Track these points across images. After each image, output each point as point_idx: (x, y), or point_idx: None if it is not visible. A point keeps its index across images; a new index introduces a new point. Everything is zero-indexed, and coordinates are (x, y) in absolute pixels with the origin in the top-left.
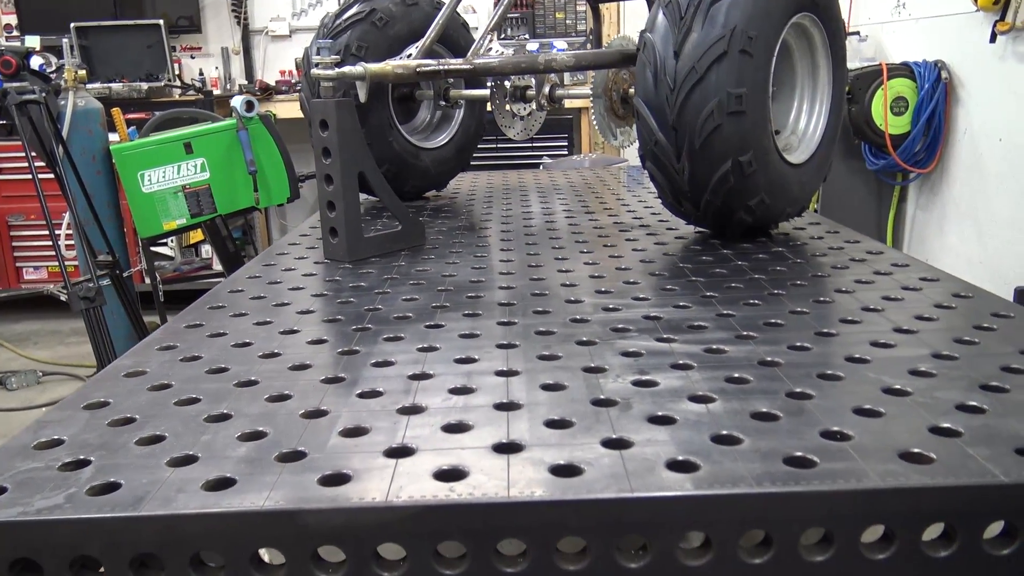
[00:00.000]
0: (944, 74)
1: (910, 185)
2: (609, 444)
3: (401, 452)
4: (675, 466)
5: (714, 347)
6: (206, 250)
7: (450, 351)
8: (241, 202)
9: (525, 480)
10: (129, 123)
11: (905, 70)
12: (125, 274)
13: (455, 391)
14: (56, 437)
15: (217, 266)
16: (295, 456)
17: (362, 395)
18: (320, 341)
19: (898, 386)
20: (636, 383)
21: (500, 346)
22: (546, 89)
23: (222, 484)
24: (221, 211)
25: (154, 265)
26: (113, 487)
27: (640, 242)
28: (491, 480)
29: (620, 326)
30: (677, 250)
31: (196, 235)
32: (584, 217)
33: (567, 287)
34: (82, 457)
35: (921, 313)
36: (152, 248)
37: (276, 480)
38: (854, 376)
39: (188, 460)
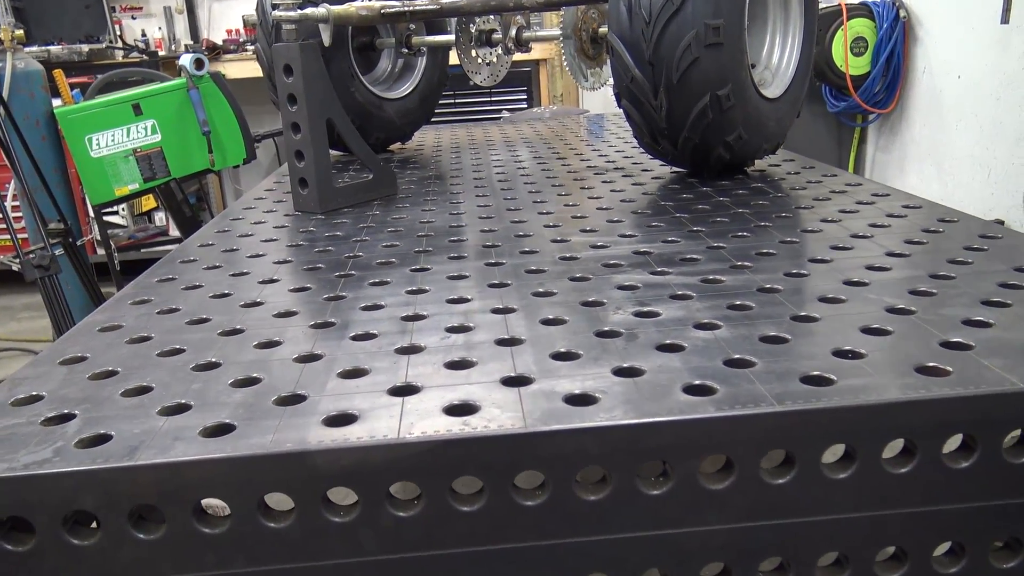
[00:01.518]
0: (902, 13)
1: (869, 127)
2: (620, 372)
3: (406, 390)
4: (692, 390)
5: (710, 277)
6: (160, 217)
7: (440, 292)
8: (195, 164)
9: (540, 411)
10: (72, 87)
11: (864, 10)
12: (78, 243)
13: (452, 330)
14: (34, 393)
15: (174, 232)
16: (295, 399)
17: (356, 338)
18: (302, 288)
19: (901, 305)
20: (638, 314)
21: (492, 285)
22: (513, 32)
23: (221, 430)
24: (175, 174)
25: (108, 233)
26: (103, 439)
27: (616, 183)
28: (505, 412)
29: (612, 262)
30: (656, 189)
31: (148, 202)
32: (556, 163)
33: (550, 228)
34: (66, 411)
35: (911, 238)
36: (103, 216)
37: (278, 424)
38: (856, 298)
39: (181, 409)
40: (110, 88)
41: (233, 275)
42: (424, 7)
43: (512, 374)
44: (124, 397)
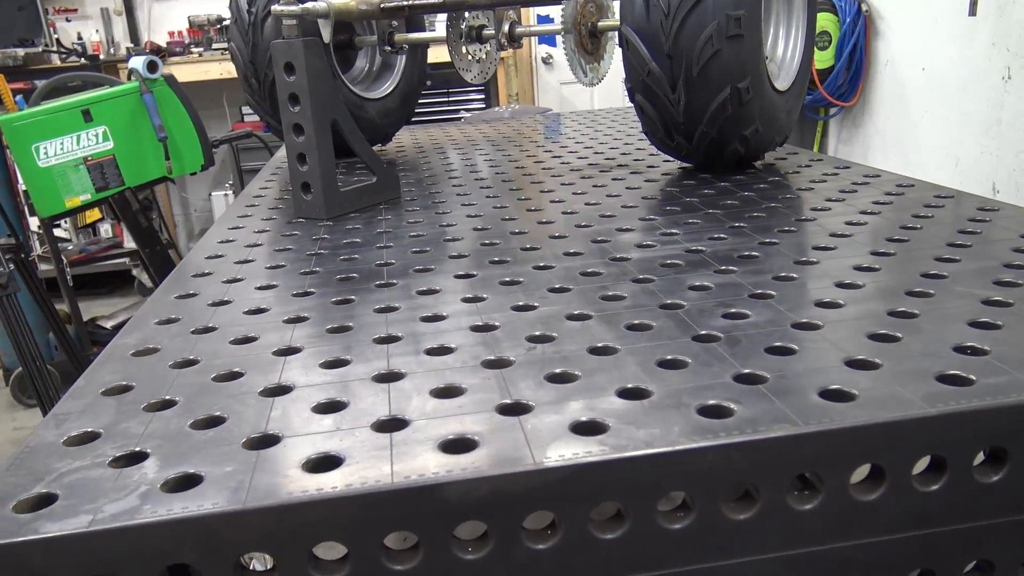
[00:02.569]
0: (864, 6)
1: (831, 120)
2: (741, 379)
3: (516, 409)
4: (828, 395)
5: (781, 275)
6: (105, 229)
7: (499, 299)
8: (151, 172)
9: (676, 426)
10: (13, 93)
11: (827, 4)
12: (30, 257)
13: (534, 339)
14: (89, 430)
15: (129, 243)
16: (395, 424)
17: (431, 352)
18: (345, 301)
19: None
20: (726, 316)
21: (552, 290)
22: (505, 27)
23: (326, 464)
24: (129, 183)
25: (58, 247)
26: (193, 480)
27: (628, 180)
28: (640, 429)
29: (668, 262)
30: (671, 185)
31: (93, 214)
32: (553, 161)
33: (584, 227)
34: (136, 449)
35: (964, 228)
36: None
37: (394, 452)
38: (944, 292)
39: (268, 441)
40: (55, 94)
41: (260, 288)
42: (424, 1)
43: (628, 385)
44: (195, 430)
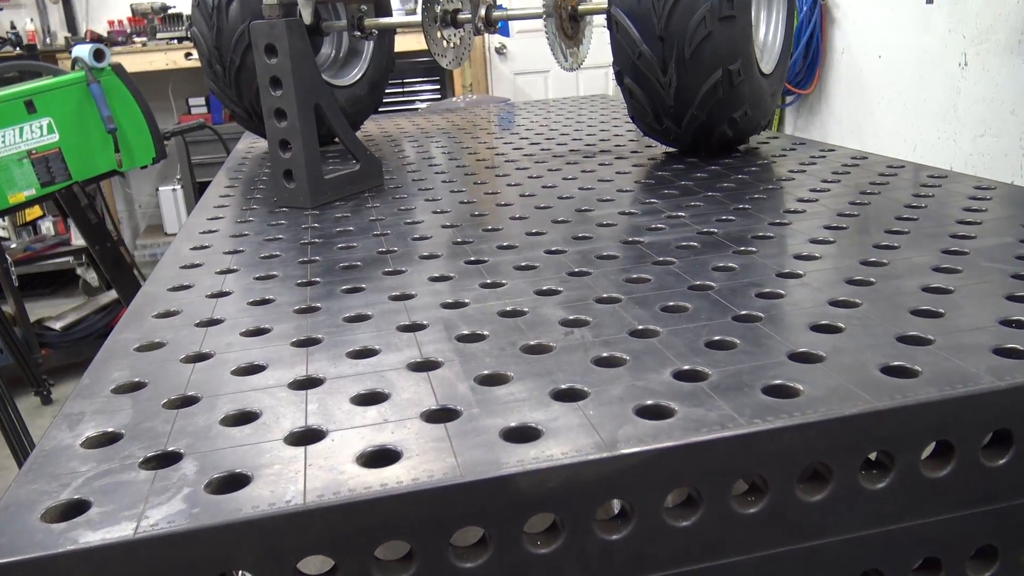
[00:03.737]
0: None
1: (788, 108)
2: (797, 358)
3: (569, 395)
4: (890, 371)
5: (804, 254)
6: (47, 227)
7: (520, 284)
8: (100, 166)
9: (748, 407)
10: None
11: None
12: None
13: (568, 323)
14: (108, 430)
15: (77, 240)
16: (448, 415)
17: (463, 339)
18: (356, 289)
19: None
20: (760, 295)
21: (572, 274)
22: (482, 11)
23: (383, 458)
24: (77, 177)
25: (1, 245)
26: (240, 481)
27: (615, 165)
28: (710, 411)
29: (684, 244)
30: (662, 169)
31: (34, 211)
32: (531, 147)
33: (586, 211)
34: (169, 449)
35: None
36: None
37: (454, 444)
38: (968, 266)
39: (312, 436)
40: None
41: (259, 278)
42: None
43: (683, 367)
44: (227, 426)
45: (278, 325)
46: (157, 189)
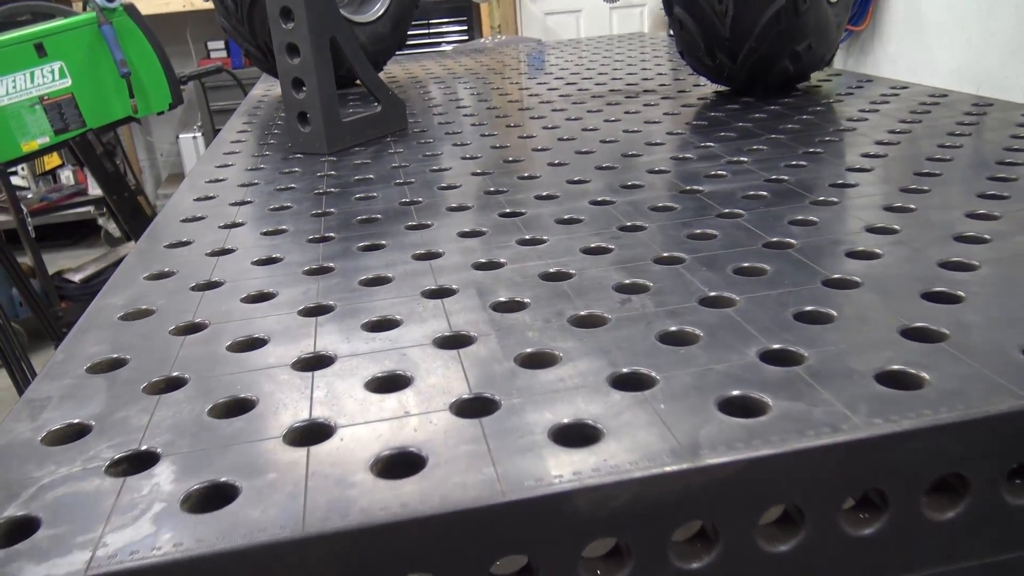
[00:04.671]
0: None
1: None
2: (912, 335)
3: (637, 382)
4: None
5: (896, 205)
6: (67, 175)
7: (576, 240)
8: (115, 112)
9: (867, 401)
10: None
11: None
12: None
13: (623, 290)
14: (75, 421)
15: (94, 191)
16: (484, 407)
17: (501, 308)
18: (375, 246)
19: None
20: (851, 255)
21: (624, 228)
22: None
23: (402, 465)
24: (91, 124)
25: (16, 196)
26: (225, 494)
27: (662, 106)
28: (817, 408)
29: (750, 193)
30: (714, 110)
31: (52, 159)
32: (569, 88)
33: (633, 157)
34: (143, 448)
35: None
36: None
37: (492, 447)
38: None
39: (318, 434)
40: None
41: (267, 233)
42: None
43: (771, 347)
44: (216, 418)
45: (285, 289)
46: (177, 136)
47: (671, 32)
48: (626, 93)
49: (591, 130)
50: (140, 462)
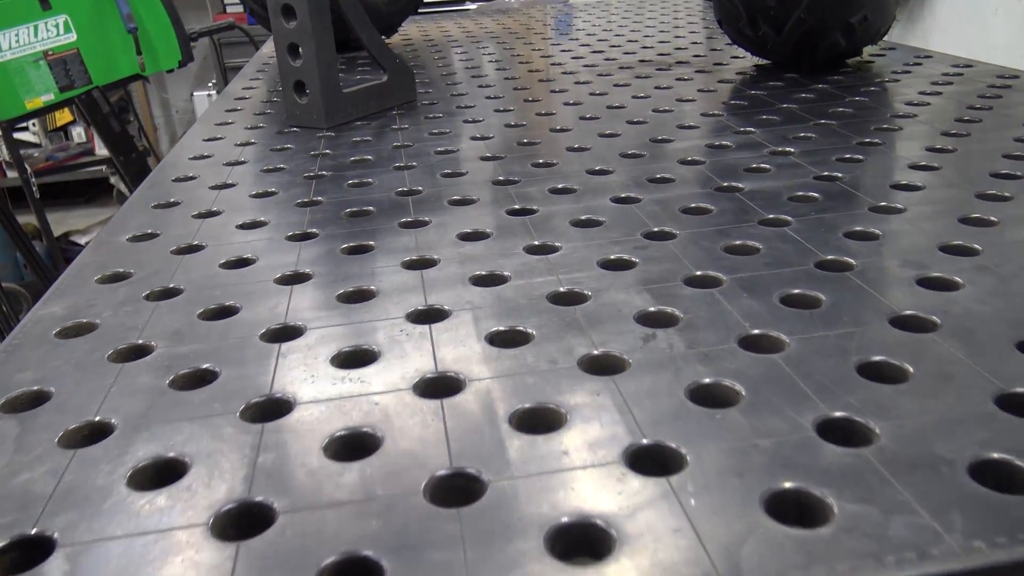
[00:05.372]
0: None
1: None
2: (1010, 403)
3: (654, 461)
4: None
5: (972, 217)
6: (78, 132)
7: (602, 242)
8: (122, 69)
9: (959, 507)
10: None
11: None
12: None
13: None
14: (35, 389)
15: (101, 150)
16: (468, 490)
17: (500, 341)
18: (362, 248)
19: None
20: (922, 283)
21: (650, 235)
22: None
23: None
24: (97, 82)
25: (20, 154)
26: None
27: (696, 81)
28: (898, 518)
29: (798, 194)
30: (755, 87)
31: (63, 115)
32: (597, 56)
33: (660, 143)
34: (36, 533)
35: None
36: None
37: (473, 562)
38: None
39: (256, 519)
40: None
41: (243, 226)
42: None
43: (836, 414)
44: (132, 489)
45: (251, 304)
46: (192, 94)
47: None
48: (657, 65)
49: (617, 108)
50: (33, 550)
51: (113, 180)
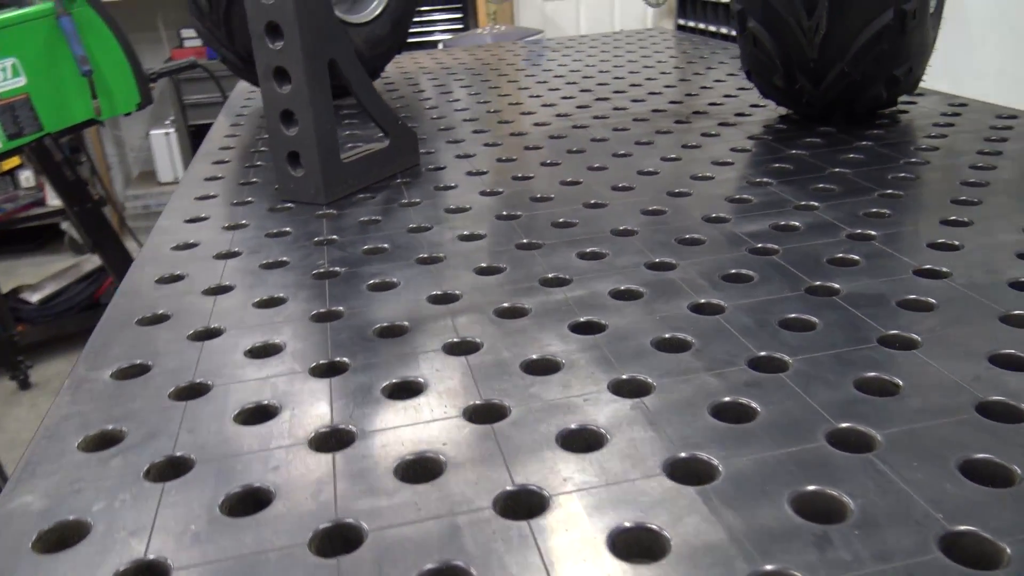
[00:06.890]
0: None
1: None
2: None
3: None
4: None
5: None
6: (26, 177)
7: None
8: (76, 115)
9: None
10: None
11: None
12: None
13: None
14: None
15: (53, 200)
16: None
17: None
18: (404, 391)
19: None
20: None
21: (695, 308)
22: None
23: None
24: (49, 129)
25: None
26: None
27: (723, 136)
28: None
29: (877, 293)
30: (786, 142)
31: (11, 160)
32: (603, 104)
33: (678, 196)
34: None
35: None
36: None
37: None
38: None
39: None
40: None
41: (248, 352)
42: None
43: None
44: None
45: (286, 495)
46: (148, 132)
47: (679, 23)
48: (674, 115)
49: (623, 155)
50: None
51: (65, 227)
